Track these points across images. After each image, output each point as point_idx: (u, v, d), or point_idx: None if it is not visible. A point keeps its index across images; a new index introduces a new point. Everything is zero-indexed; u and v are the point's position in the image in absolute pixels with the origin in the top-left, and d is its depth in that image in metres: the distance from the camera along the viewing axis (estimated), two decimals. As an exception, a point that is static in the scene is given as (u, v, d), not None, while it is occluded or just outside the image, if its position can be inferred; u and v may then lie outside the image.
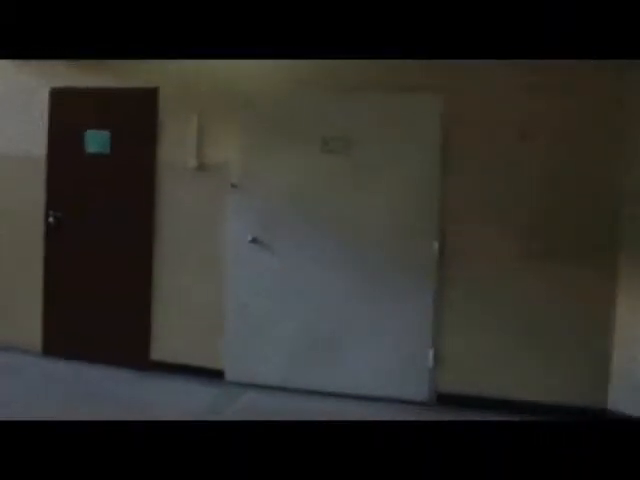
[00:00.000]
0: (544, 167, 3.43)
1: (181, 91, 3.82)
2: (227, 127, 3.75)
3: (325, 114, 3.63)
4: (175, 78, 3.81)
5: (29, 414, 2.88)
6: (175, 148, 3.84)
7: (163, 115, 3.86)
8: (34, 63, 4.03)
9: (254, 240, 3.70)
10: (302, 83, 3.65)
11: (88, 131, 3.96)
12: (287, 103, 3.69)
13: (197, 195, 3.83)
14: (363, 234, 3.60)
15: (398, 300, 3.58)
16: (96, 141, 3.95)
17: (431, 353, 3.54)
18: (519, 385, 3.44)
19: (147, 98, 3.84)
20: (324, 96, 3.64)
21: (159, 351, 3.90)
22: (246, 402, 3.50)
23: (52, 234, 4.06)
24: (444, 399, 3.53)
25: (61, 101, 4.00)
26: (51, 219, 4.04)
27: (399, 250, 3.57)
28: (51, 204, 4.05)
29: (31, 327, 4.08)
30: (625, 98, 3.33)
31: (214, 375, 3.77)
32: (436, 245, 3.52)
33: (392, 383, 3.57)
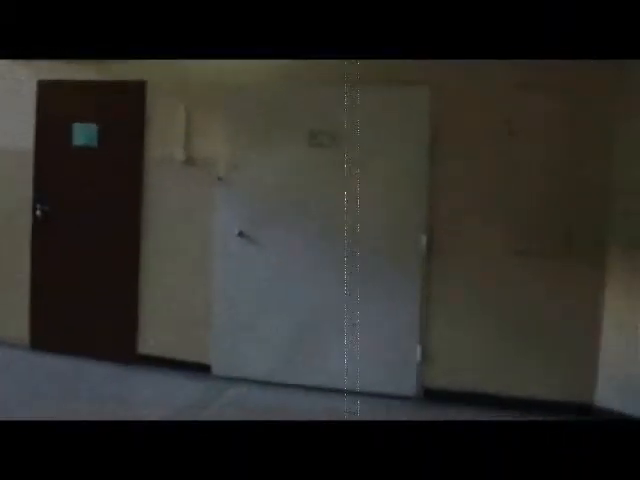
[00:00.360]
0: (534, 163, 3.41)
1: (169, 84, 3.81)
2: (215, 120, 3.74)
3: (313, 107, 3.61)
4: (163, 71, 3.78)
5: (16, 411, 2.89)
6: (163, 141, 3.83)
7: (151, 108, 3.85)
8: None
9: (241, 234, 3.69)
10: (289, 76, 3.63)
11: (75, 124, 3.94)
12: (274, 96, 3.67)
13: (185, 188, 3.82)
14: (351, 228, 3.56)
15: (386, 295, 3.57)
16: (83, 134, 3.94)
17: (419, 349, 3.54)
18: (506, 381, 3.43)
19: (135, 91, 3.83)
20: (312, 89, 3.62)
21: (146, 345, 3.90)
22: (232, 397, 3.49)
23: (39, 228, 4.05)
24: (432, 394, 3.52)
25: (49, 94, 3.99)
26: (38, 212, 4.03)
27: (387, 244, 3.56)
28: (38, 197, 4.04)
29: (18, 321, 4.08)
30: (616, 95, 3.30)
31: (201, 369, 3.77)
32: (424, 240, 3.51)
33: (380, 378, 3.56)
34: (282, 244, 3.68)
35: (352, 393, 3.50)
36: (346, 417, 3.14)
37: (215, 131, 3.73)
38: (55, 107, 3.98)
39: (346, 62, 3.41)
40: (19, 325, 4.08)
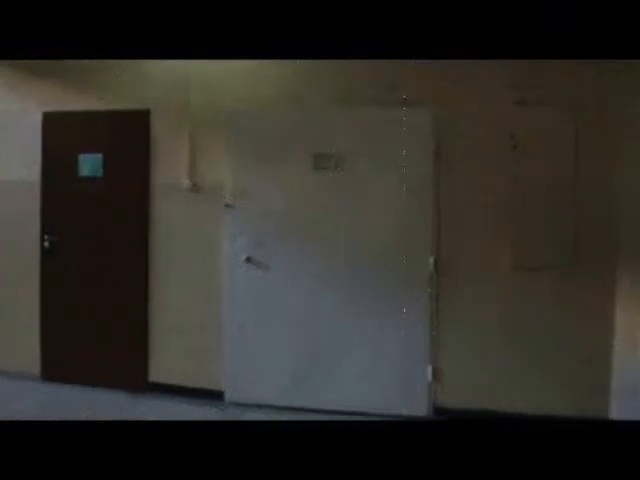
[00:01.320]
0: (539, 176, 3.42)
1: (172, 112, 3.83)
2: (219, 147, 3.75)
3: (316, 130, 3.63)
4: (166, 99, 3.83)
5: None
6: (168, 169, 3.85)
7: (155, 137, 3.88)
8: (25, 87, 4.05)
9: (249, 259, 3.70)
10: (293, 99, 3.66)
11: (81, 155, 3.97)
12: (278, 120, 3.69)
13: (191, 215, 3.83)
14: (359, 251, 3.59)
15: (396, 316, 3.57)
16: (89, 164, 3.96)
17: (430, 368, 3.53)
18: (519, 398, 3.43)
19: (139, 120, 3.86)
20: (315, 112, 3.64)
21: (157, 373, 3.90)
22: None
23: (48, 258, 4.06)
24: (443, 414, 3.51)
25: (53, 125, 4.02)
26: (46, 243, 4.04)
27: (395, 266, 3.55)
28: (46, 228, 4.05)
29: (29, 352, 4.06)
30: (620, 101, 3.31)
31: (213, 396, 3.76)
32: (432, 260, 3.52)
33: (391, 399, 3.56)
34: (290, 268, 3.68)
35: (365, 414, 3.52)
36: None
37: (220, 157, 3.75)
38: (60, 138, 4.01)
39: (347, 84, 3.47)
40: (29, 356, 4.07)
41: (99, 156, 3.94)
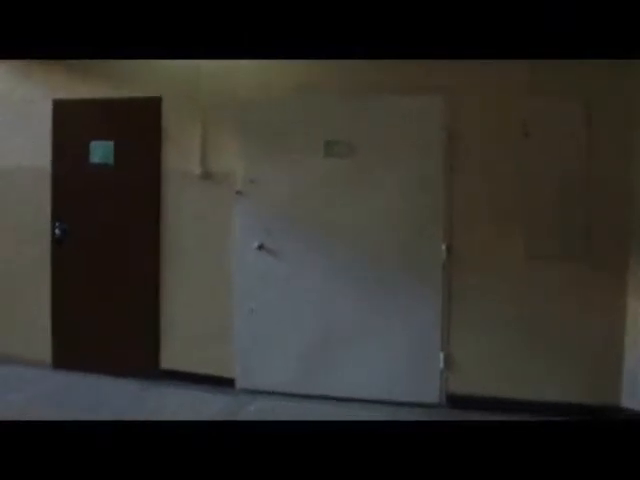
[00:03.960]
0: (551, 165, 3.40)
1: (184, 99, 3.81)
2: (231, 134, 3.75)
3: (327, 118, 3.62)
4: (178, 86, 3.81)
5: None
6: (179, 157, 3.84)
7: (167, 124, 3.86)
8: (36, 75, 4.04)
9: (261, 247, 3.70)
10: (303, 87, 3.64)
11: (92, 142, 3.95)
12: (289, 107, 3.67)
13: (203, 203, 3.82)
14: (370, 237, 3.59)
15: (407, 303, 3.56)
16: (100, 152, 3.95)
17: (441, 355, 3.53)
18: (531, 385, 3.42)
19: (150, 107, 3.84)
20: (326, 100, 3.62)
21: (169, 360, 3.90)
22: (257, 410, 3.49)
23: (58, 245, 4.06)
24: (455, 401, 3.52)
25: (64, 112, 4.00)
26: (57, 231, 4.04)
27: (407, 253, 3.55)
28: (57, 216, 4.05)
29: (40, 340, 4.07)
30: (635, 87, 3.29)
31: (225, 383, 3.76)
32: (444, 247, 3.51)
33: (403, 386, 3.56)
34: (301, 255, 3.68)
35: (376, 402, 3.52)
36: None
37: (231, 145, 3.75)
38: (71, 125, 3.99)
39: (360, 72, 3.45)
40: (41, 344, 4.07)
41: (110, 143, 3.93)
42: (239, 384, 3.77)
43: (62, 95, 4.01)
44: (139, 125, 3.89)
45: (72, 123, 3.99)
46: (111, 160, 3.94)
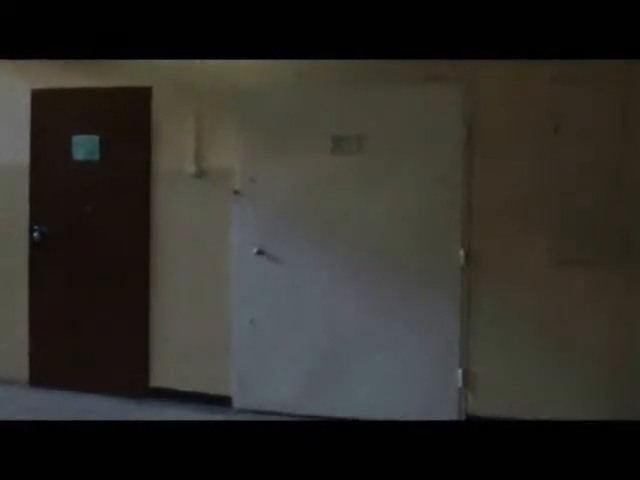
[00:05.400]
0: (583, 162, 3.20)
1: (177, 90, 3.68)
2: (228, 128, 3.61)
3: (335, 110, 3.47)
4: (170, 76, 3.67)
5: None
6: (171, 153, 3.69)
7: (157, 117, 3.72)
8: (11, 62, 3.81)
9: (260, 252, 3.52)
10: (308, 76, 3.46)
11: (75, 136, 3.81)
12: (293, 99, 3.52)
13: (197, 204, 3.70)
14: (381, 243, 3.42)
15: (422, 315, 3.39)
16: (84, 147, 3.80)
17: (460, 372, 3.34)
18: (558, 406, 3.19)
19: (139, 98, 3.70)
20: (333, 90, 3.47)
21: (159, 377, 3.74)
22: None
23: (37, 250, 3.90)
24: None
25: (44, 103, 3.85)
26: (36, 234, 3.88)
27: (421, 259, 3.38)
28: (36, 217, 3.89)
29: (16, 355, 3.88)
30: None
31: (220, 402, 3.58)
32: (462, 253, 3.33)
33: (417, 407, 3.34)
34: (306, 261, 3.51)
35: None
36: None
37: (229, 140, 3.59)
38: (52, 118, 3.85)
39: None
40: (16, 359, 3.88)
41: (95, 138, 3.79)
42: (236, 403, 3.59)
43: (42, 84, 3.85)
44: (127, 118, 3.75)
45: (53, 115, 3.84)
46: (96, 156, 3.79)
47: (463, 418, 3.34)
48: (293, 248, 3.51)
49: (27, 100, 3.85)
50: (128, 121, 3.73)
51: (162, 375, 3.71)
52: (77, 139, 3.79)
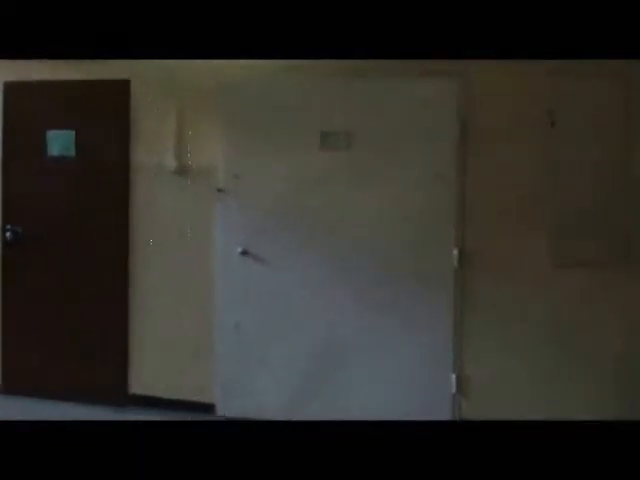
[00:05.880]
0: (582, 158, 3.15)
1: (157, 83, 3.59)
2: (211, 123, 3.51)
3: (324, 105, 3.39)
4: (149, 68, 3.54)
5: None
6: (151, 148, 3.60)
7: (136, 111, 3.63)
8: None
9: (245, 252, 3.44)
10: (295, 69, 3.35)
11: (50, 131, 3.71)
12: (280, 91, 3.44)
13: (178, 202, 3.60)
14: (372, 242, 3.35)
15: (414, 317, 3.32)
16: (59, 142, 3.72)
17: (453, 377, 3.28)
18: (558, 413, 3.12)
19: (117, 92, 3.62)
20: (322, 84, 3.39)
21: (139, 384, 3.65)
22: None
23: (10, 252, 3.80)
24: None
25: (17, 97, 3.76)
26: (8, 234, 3.78)
27: (415, 259, 3.31)
28: (8, 217, 3.79)
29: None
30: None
31: (204, 409, 3.49)
32: (456, 253, 3.26)
33: (409, 412, 3.24)
34: (293, 262, 3.43)
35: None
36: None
37: (212, 135, 3.50)
38: (25, 112, 3.75)
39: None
40: None
41: (71, 133, 3.70)
42: (220, 410, 3.49)
43: (14, 77, 3.75)
44: (104, 112, 3.66)
45: (26, 109, 3.75)
46: (72, 152, 3.70)
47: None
48: (280, 248, 3.43)
49: (-1, 92, 3.69)
50: (105, 115, 3.65)
51: (142, 382, 3.64)
52: (52, 134, 3.71)
